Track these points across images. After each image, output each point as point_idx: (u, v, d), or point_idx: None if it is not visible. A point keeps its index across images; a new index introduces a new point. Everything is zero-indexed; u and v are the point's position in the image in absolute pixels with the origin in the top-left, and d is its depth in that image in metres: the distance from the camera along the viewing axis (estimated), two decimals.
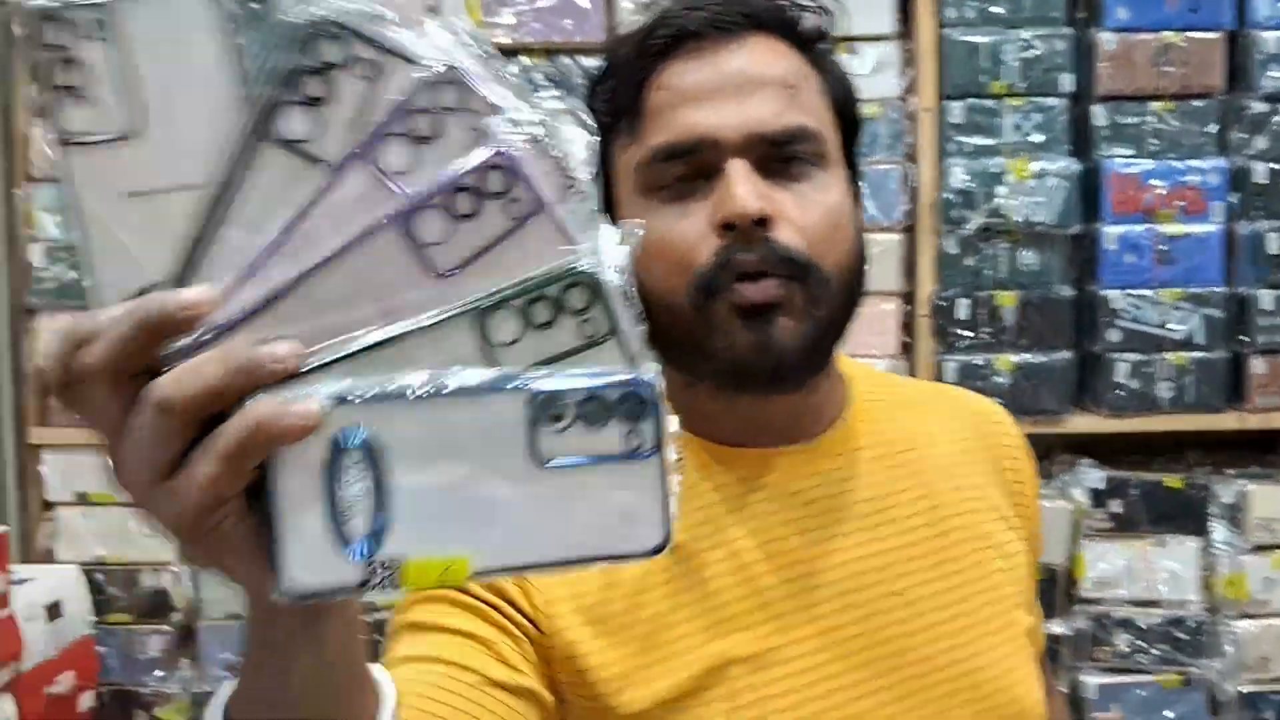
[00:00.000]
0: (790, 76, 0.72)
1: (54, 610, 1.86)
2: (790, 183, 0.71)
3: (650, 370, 0.41)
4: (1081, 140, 1.99)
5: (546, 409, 0.40)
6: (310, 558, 0.40)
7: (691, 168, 0.71)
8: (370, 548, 0.40)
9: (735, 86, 0.71)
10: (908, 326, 2.01)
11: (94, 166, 0.40)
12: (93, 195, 0.40)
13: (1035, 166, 1.94)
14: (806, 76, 0.74)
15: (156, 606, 2.03)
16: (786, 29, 0.74)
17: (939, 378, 1.97)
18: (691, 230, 0.70)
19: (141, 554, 2.00)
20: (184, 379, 0.38)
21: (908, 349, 2.02)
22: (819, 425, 0.78)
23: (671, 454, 0.41)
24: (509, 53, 2.00)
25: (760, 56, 0.72)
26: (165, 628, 2.02)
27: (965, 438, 0.84)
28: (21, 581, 1.82)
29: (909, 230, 2.00)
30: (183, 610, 2.03)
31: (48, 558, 2.03)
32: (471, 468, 0.40)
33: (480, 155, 0.41)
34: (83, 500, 2.03)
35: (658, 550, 0.42)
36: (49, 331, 2.04)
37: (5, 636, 1.72)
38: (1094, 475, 1.99)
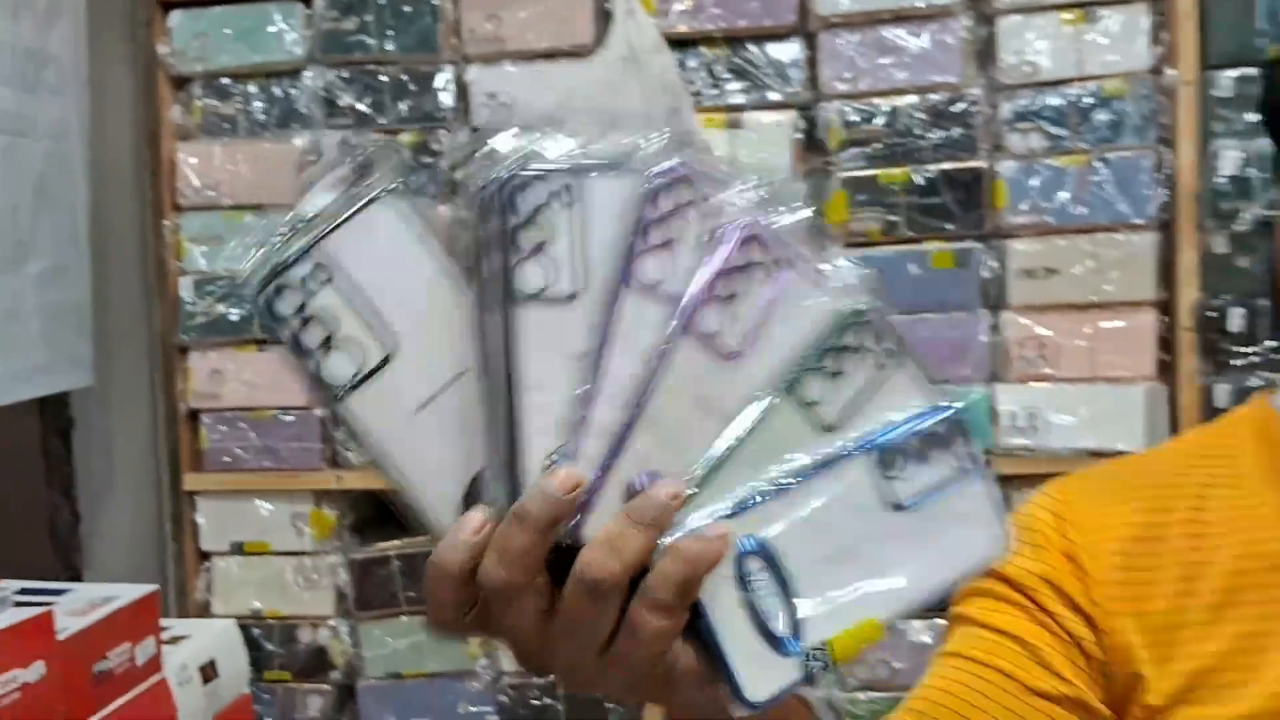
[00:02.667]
0: None
1: (209, 671, 1.74)
2: None
3: (948, 395, 0.46)
4: None
5: (887, 459, 0.45)
6: (757, 669, 0.44)
7: None
8: (797, 641, 0.44)
9: None
10: (1166, 343, 1.75)
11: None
12: (382, 422, 0.43)
13: None
14: None
15: (315, 664, 1.97)
16: None
17: (1207, 404, 1.71)
18: None
19: (299, 608, 1.97)
20: (608, 559, 0.41)
21: (1167, 369, 1.75)
22: None
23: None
24: (685, 43, 1.79)
25: None
26: (324, 686, 1.98)
27: None
28: (176, 640, 1.70)
29: (1166, 228, 1.76)
30: (342, 669, 1.97)
31: (204, 611, 1.99)
32: (844, 535, 0.45)
33: (725, 237, 0.44)
34: (238, 550, 1.99)
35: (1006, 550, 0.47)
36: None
37: (157, 705, 1.60)
38: None
